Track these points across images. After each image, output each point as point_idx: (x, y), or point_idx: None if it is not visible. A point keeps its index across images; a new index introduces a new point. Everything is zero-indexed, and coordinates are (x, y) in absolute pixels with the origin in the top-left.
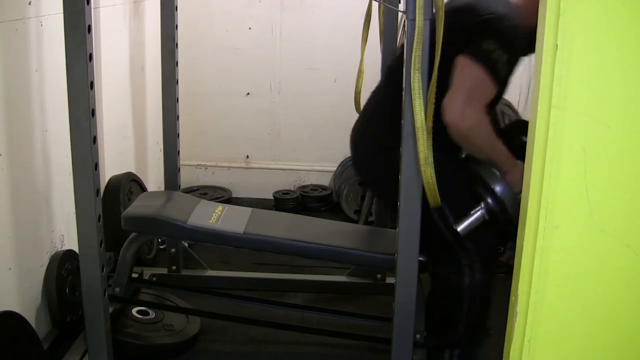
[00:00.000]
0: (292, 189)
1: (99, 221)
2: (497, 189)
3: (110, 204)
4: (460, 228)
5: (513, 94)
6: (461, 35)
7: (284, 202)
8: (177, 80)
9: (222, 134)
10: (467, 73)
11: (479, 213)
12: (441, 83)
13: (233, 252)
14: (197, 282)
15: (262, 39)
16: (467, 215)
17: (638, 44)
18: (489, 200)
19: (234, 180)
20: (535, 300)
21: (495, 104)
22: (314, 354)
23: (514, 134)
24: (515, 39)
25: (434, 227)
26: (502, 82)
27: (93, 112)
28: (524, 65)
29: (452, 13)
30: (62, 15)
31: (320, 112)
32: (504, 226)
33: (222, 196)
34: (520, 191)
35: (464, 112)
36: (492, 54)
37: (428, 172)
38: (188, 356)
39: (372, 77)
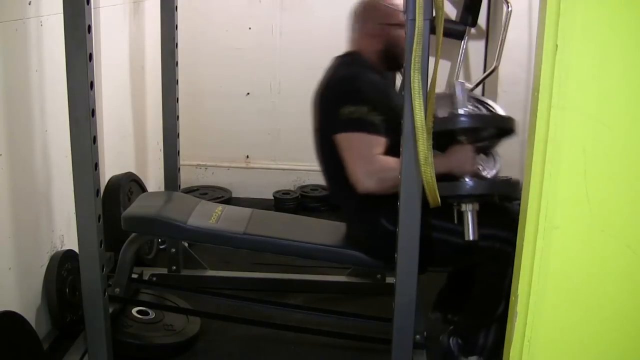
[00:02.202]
0: (292, 189)
1: (99, 221)
2: (466, 178)
3: (110, 204)
4: (471, 236)
5: (514, 93)
6: (327, 116)
7: (284, 202)
8: (177, 80)
9: (222, 134)
10: (347, 146)
11: (469, 211)
12: (336, 162)
13: (233, 252)
14: (197, 282)
15: (262, 39)
16: (462, 221)
17: (638, 44)
18: (467, 188)
19: (234, 180)
20: (535, 300)
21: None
22: (313, 354)
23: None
24: (369, 82)
25: (445, 245)
26: (385, 120)
27: (93, 112)
28: (524, 66)
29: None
30: (62, 15)
31: None
32: (497, 202)
33: (222, 196)
34: (472, 169)
35: (368, 176)
36: (354, 115)
37: (428, 172)
38: (188, 356)
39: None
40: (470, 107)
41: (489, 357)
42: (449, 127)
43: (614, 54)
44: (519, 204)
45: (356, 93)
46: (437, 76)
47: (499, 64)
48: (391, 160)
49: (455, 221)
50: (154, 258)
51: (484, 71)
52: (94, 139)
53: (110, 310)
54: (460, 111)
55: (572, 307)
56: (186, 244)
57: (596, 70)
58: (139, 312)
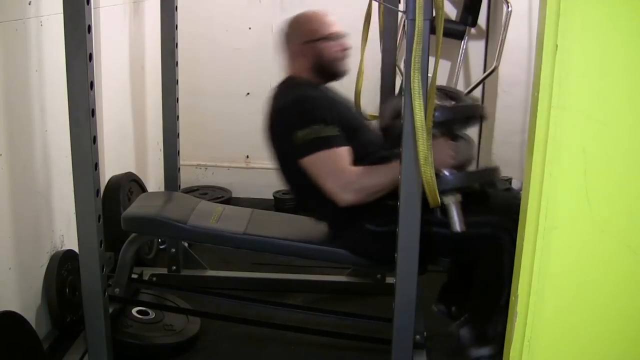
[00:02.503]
0: None
1: (99, 221)
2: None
3: (110, 204)
4: (458, 228)
5: (514, 93)
6: (284, 146)
7: (284, 202)
8: (177, 80)
9: (222, 134)
10: (315, 168)
11: (452, 203)
12: (308, 185)
13: (233, 252)
14: (197, 282)
15: (262, 39)
16: (447, 214)
17: (638, 43)
18: (448, 181)
19: (234, 180)
20: (535, 300)
21: (362, 137)
22: (313, 354)
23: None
24: (311, 100)
25: (440, 238)
26: (341, 130)
27: (93, 112)
28: (524, 66)
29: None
30: (62, 15)
31: None
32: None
33: (222, 196)
34: (450, 161)
35: (344, 190)
36: (310, 136)
37: (428, 172)
38: (188, 356)
39: (372, 77)
40: (436, 100)
41: (501, 347)
42: None
43: (614, 54)
44: (505, 189)
45: (303, 115)
46: (437, 76)
47: (499, 64)
48: (364, 169)
49: (438, 214)
50: (154, 258)
51: (484, 71)
52: (94, 139)
53: (110, 310)
54: None
55: (572, 307)
56: (186, 244)
57: (596, 70)
58: (139, 312)
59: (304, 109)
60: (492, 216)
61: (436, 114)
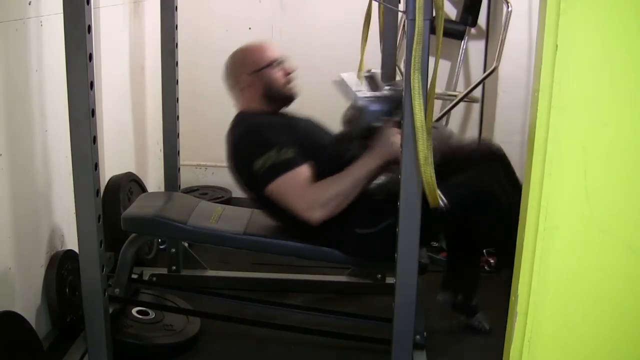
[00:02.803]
0: None
1: (99, 221)
2: None
3: (110, 204)
4: (444, 203)
5: (514, 94)
6: (248, 180)
7: None
8: (177, 80)
9: (222, 134)
10: (280, 194)
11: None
12: (280, 209)
13: (233, 252)
14: (197, 282)
15: (262, 39)
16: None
17: (638, 43)
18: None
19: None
20: (535, 300)
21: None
22: (313, 354)
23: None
24: (261, 128)
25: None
26: (298, 149)
27: (93, 112)
28: (524, 66)
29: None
30: (62, 15)
31: (320, 112)
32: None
33: (222, 196)
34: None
35: (312, 208)
36: (267, 163)
37: (428, 172)
38: (188, 356)
39: None
40: (368, 92)
41: None
42: (360, 121)
43: (614, 54)
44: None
45: (256, 145)
46: (437, 76)
47: (499, 64)
48: (324, 182)
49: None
50: (154, 258)
51: (484, 71)
52: (94, 139)
53: (110, 310)
54: (362, 101)
55: (572, 307)
56: (186, 244)
57: (596, 70)
58: (139, 312)
59: (255, 140)
60: (469, 171)
61: (374, 107)
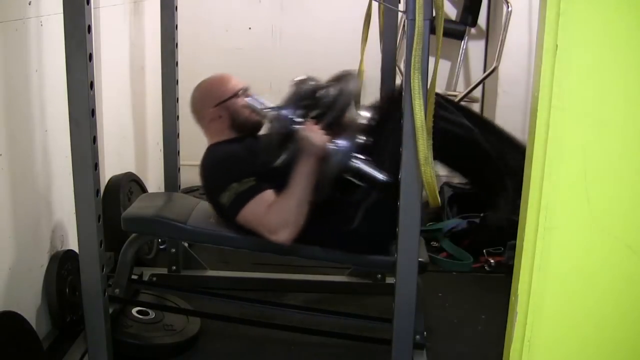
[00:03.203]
0: None
1: (99, 221)
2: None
3: (110, 204)
4: (381, 177)
5: (514, 94)
6: (221, 213)
7: None
8: (177, 81)
9: None
10: (248, 221)
11: (357, 164)
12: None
13: (233, 252)
14: (197, 282)
15: (262, 39)
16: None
17: (638, 43)
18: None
19: None
20: (535, 300)
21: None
22: (314, 354)
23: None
24: (222, 161)
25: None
26: (258, 175)
27: (93, 112)
28: (524, 66)
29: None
30: (62, 15)
31: None
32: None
33: None
34: (323, 139)
35: (276, 231)
36: (231, 196)
37: (428, 172)
38: (188, 356)
39: (372, 77)
40: (271, 104)
41: None
42: (278, 131)
43: (614, 54)
44: None
45: (221, 179)
46: (437, 76)
47: (499, 64)
48: (277, 203)
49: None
50: (154, 258)
51: (484, 71)
52: (94, 139)
53: (110, 310)
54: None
55: (572, 307)
56: (186, 244)
57: (596, 70)
58: (139, 312)
59: (220, 174)
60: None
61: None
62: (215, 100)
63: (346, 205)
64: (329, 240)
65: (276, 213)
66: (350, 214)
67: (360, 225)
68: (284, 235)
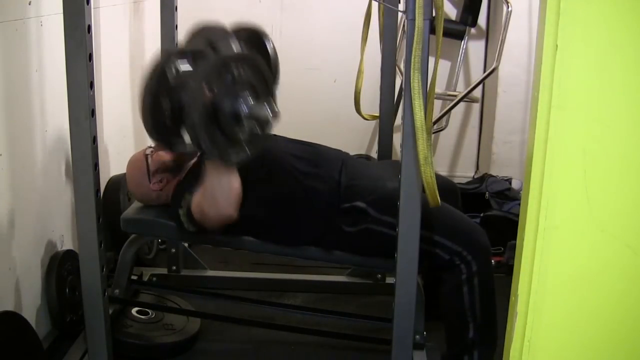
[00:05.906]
0: None
1: (99, 221)
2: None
3: (110, 204)
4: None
5: (514, 94)
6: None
7: None
8: None
9: None
10: (196, 212)
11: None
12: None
13: (233, 252)
14: (197, 282)
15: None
16: None
17: (638, 43)
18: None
19: None
20: (535, 300)
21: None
22: (313, 354)
23: None
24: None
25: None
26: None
27: (93, 112)
28: (524, 66)
29: None
30: (62, 15)
31: (320, 112)
32: None
33: None
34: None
35: (217, 205)
36: (184, 209)
37: (428, 172)
38: (188, 356)
39: (372, 77)
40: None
41: None
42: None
43: (614, 54)
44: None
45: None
46: (437, 76)
47: (499, 64)
48: (196, 196)
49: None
50: (154, 258)
51: (484, 71)
52: (94, 139)
53: (111, 310)
54: None
55: (572, 307)
56: (186, 244)
57: (596, 70)
58: (138, 311)
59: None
60: (447, 239)
61: None
62: (145, 178)
63: (358, 211)
64: (330, 240)
65: (202, 203)
66: (358, 218)
67: (363, 230)
68: (213, 220)
